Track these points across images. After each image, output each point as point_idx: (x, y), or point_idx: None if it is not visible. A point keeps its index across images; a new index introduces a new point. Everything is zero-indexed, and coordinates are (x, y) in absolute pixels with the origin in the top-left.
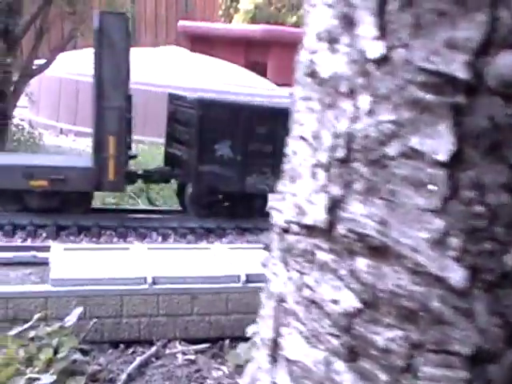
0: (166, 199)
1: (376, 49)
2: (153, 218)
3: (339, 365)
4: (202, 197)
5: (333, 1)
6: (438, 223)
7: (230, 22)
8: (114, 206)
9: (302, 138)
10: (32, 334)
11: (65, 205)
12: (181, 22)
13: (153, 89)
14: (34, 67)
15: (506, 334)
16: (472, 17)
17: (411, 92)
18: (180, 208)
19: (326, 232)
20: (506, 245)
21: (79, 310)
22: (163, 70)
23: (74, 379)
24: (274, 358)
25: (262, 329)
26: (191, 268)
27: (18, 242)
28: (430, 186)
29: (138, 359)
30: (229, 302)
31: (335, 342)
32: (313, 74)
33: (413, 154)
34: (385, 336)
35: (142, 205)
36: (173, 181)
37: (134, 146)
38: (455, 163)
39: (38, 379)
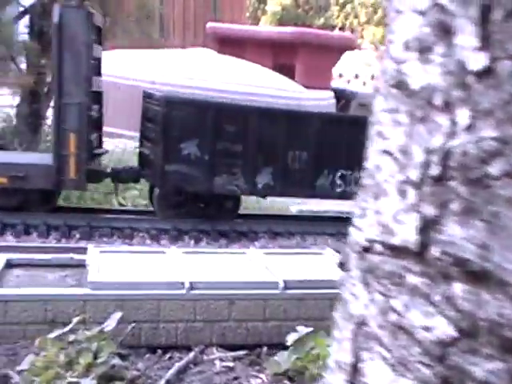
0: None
1: (478, 60)
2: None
3: None
4: (168, 197)
5: (425, 7)
6: None
7: (258, 23)
8: (146, 209)
9: (387, 152)
10: (71, 337)
11: (27, 203)
12: (209, 24)
13: (181, 90)
14: None
15: None
16: None
17: None
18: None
19: (416, 254)
20: None
21: (118, 314)
22: (192, 72)
23: None
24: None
25: (337, 351)
26: (228, 273)
27: (52, 242)
28: None
29: (177, 365)
30: (266, 309)
31: (426, 371)
32: (400, 85)
33: None
34: (484, 367)
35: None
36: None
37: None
38: None
39: (77, 383)
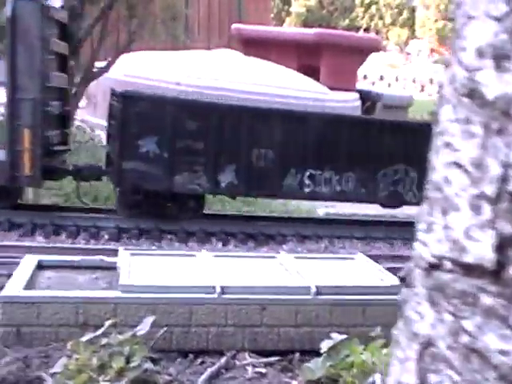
0: None
1: None
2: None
3: None
4: (127, 196)
5: (501, 13)
6: None
7: (282, 25)
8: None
9: (457, 164)
10: (104, 341)
11: None
12: (234, 25)
13: (206, 91)
14: (94, 70)
15: None
16: None
17: None
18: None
19: (492, 273)
20: None
21: (151, 318)
22: (218, 73)
23: None
24: None
25: (399, 372)
26: (259, 278)
27: (81, 243)
28: None
29: (209, 370)
30: (298, 314)
31: None
32: (473, 94)
33: None
34: None
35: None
36: None
37: None
38: None
39: None
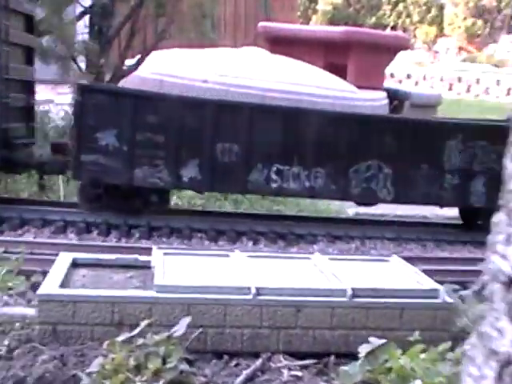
0: None
1: None
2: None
3: None
4: (87, 189)
5: None
6: None
7: (308, 23)
8: (201, 208)
9: None
10: (140, 341)
11: None
12: (261, 24)
13: (233, 89)
14: (124, 67)
15: None
16: None
17: None
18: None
19: None
20: None
21: (187, 319)
22: (245, 71)
23: None
24: None
25: None
26: (294, 279)
27: (113, 241)
28: None
29: (244, 373)
30: (334, 317)
31: None
32: None
33: None
34: None
35: (229, 207)
36: None
37: None
38: None
39: None
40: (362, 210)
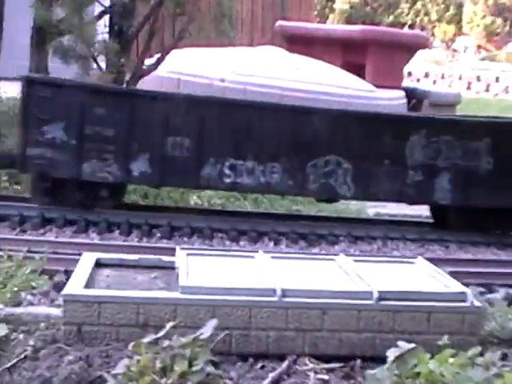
0: None
1: None
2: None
3: None
4: (36, 183)
5: None
6: None
7: (325, 22)
8: (220, 208)
9: None
10: (165, 343)
11: None
12: (278, 22)
13: (250, 88)
14: (144, 67)
15: None
16: None
17: None
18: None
19: None
20: None
21: (214, 321)
22: (262, 70)
23: None
24: None
25: None
26: (319, 280)
27: (134, 241)
28: None
29: (270, 376)
30: (360, 320)
31: None
32: None
33: None
34: None
35: (249, 207)
36: None
37: None
38: None
39: None
40: (383, 210)
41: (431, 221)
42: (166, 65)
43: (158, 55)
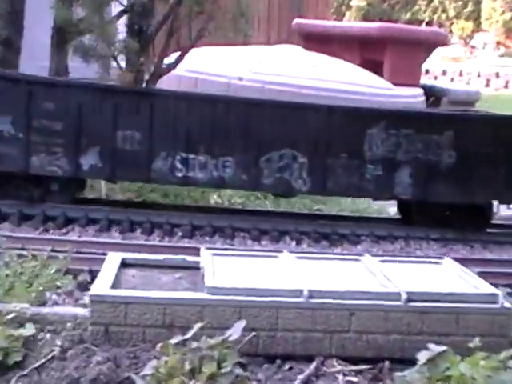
0: None
1: None
2: None
3: None
4: None
5: None
6: None
7: (342, 19)
8: (240, 207)
9: None
10: (193, 344)
11: None
12: (296, 20)
13: (268, 86)
14: (163, 66)
15: None
16: None
17: None
18: None
19: None
20: None
21: (242, 323)
22: (280, 68)
23: None
24: None
25: None
26: (345, 281)
27: (156, 240)
28: None
29: (299, 378)
30: (388, 321)
31: None
32: None
33: None
34: None
35: (269, 206)
36: None
37: None
38: None
39: None
40: None
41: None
42: (184, 64)
43: (176, 54)
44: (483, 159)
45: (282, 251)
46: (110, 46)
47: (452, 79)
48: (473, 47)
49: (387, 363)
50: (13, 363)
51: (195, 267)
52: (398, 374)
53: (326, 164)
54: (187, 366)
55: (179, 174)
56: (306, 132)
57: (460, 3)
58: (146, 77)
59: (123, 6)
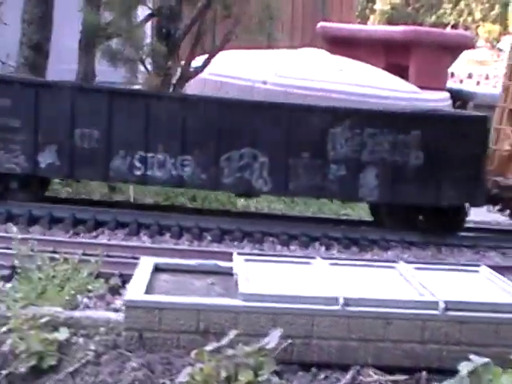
0: None
1: None
2: None
3: None
4: None
5: None
6: None
7: (366, 22)
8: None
9: None
10: (229, 351)
11: None
12: (320, 24)
13: (293, 90)
14: (191, 69)
15: None
16: None
17: None
18: None
19: None
20: None
21: (279, 330)
22: (305, 72)
23: None
24: None
25: None
26: (381, 289)
27: (185, 244)
28: None
29: None
30: (425, 330)
31: None
32: None
33: None
34: None
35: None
36: None
37: None
38: None
39: None
40: None
41: (487, 226)
42: (208, 67)
43: (201, 57)
44: (452, 160)
45: (314, 257)
46: (137, 50)
47: (478, 82)
48: (500, 50)
49: (424, 373)
50: (47, 367)
51: (228, 273)
52: None
53: (287, 164)
54: (223, 374)
55: (138, 173)
56: (267, 131)
57: (487, 6)
58: (174, 80)
59: (150, 9)
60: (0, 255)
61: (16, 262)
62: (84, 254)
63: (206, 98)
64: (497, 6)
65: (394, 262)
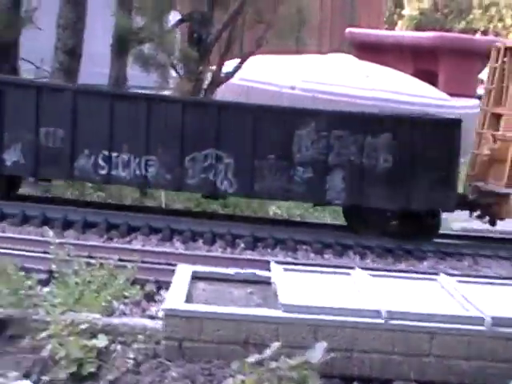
0: None
1: None
2: None
3: None
4: None
5: None
6: None
7: (394, 28)
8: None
9: None
10: (271, 364)
11: None
12: (348, 29)
13: (321, 96)
14: (222, 74)
15: None
16: None
17: None
18: None
19: None
20: None
21: (323, 344)
22: (332, 78)
23: None
24: None
25: None
26: (423, 302)
27: (218, 251)
28: None
29: None
30: (470, 346)
31: None
32: None
33: None
34: None
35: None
36: None
37: None
38: None
39: None
40: (468, 224)
41: None
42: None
43: (230, 62)
44: (423, 163)
45: (353, 267)
46: (169, 55)
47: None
48: None
49: None
50: (87, 374)
51: (266, 282)
52: None
53: (252, 165)
54: None
55: (102, 172)
56: (232, 132)
57: None
58: (205, 85)
59: (181, 14)
60: (37, 259)
61: (53, 267)
62: (119, 260)
63: (169, 98)
64: None
65: (435, 274)
